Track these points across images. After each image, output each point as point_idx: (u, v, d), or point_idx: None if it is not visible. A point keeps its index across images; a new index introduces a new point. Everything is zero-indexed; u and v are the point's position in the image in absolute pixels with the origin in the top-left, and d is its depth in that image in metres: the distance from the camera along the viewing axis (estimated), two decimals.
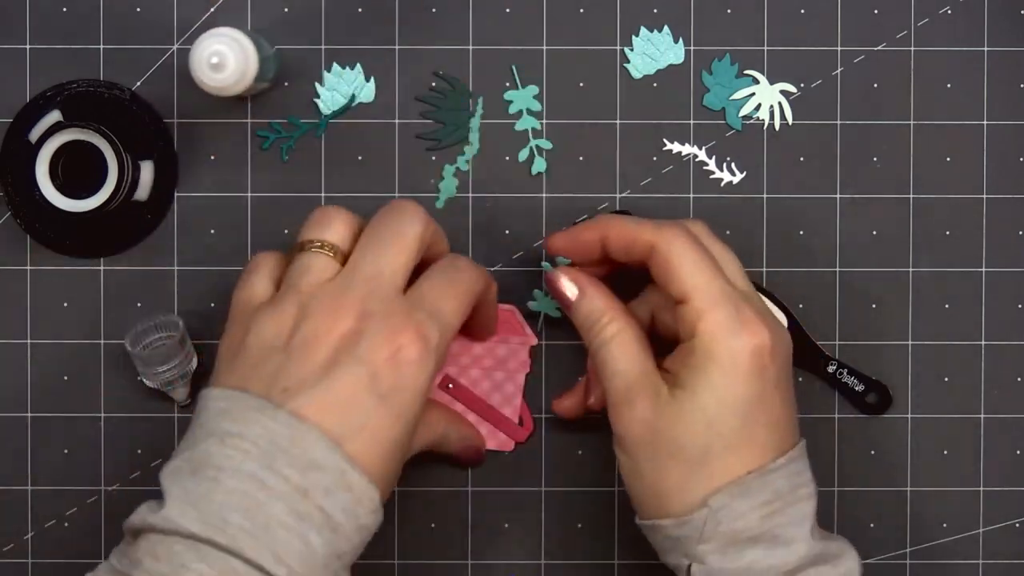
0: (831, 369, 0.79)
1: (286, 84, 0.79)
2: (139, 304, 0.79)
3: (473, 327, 0.76)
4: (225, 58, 0.72)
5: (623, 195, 0.79)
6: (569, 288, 0.72)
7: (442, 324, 0.67)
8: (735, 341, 0.67)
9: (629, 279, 0.75)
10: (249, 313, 0.68)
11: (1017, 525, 0.80)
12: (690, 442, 0.67)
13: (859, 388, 0.79)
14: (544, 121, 0.79)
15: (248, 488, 0.63)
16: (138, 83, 0.79)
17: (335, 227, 0.69)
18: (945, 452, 0.80)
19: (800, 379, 0.79)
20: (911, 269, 0.80)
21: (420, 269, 0.70)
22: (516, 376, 0.79)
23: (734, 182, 0.80)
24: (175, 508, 0.63)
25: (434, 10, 0.79)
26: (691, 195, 0.79)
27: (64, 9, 0.79)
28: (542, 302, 0.79)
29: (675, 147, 0.80)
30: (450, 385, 0.79)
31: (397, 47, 0.80)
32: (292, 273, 0.68)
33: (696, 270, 0.68)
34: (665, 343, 0.72)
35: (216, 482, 0.63)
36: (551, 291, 0.72)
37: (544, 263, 0.79)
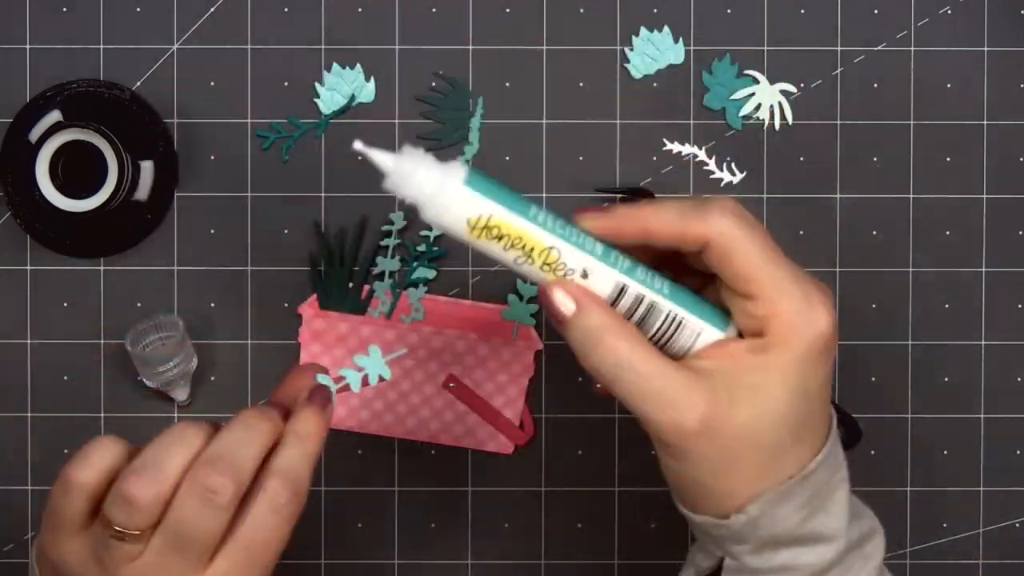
0: None
1: (286, 84, 0.79)
2: (139, 304, 0.79)
3: None
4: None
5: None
6: (564, 303, 0.63)
7: None
8: (810, 330, 0.63)
9: None
10: (59, 544, 0.64)
11: (1017, 525, 0.80)
12: (761, 439, 0.63)
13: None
14: (544, 121, 0.80)
15: None
16: (138, 83, 0.79)
17: (138, 516, 0.62)
18: (945, 452, 0.80)
19: None
20: (911, 269, 0.80)
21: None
22: (520, 379, 0.79)
23: (734, 182, 0.80)
24: None
25: (434, 10, 0.79)
26: (691, 195, 0.79)
27: (64, 9, 0.79)
28: (516, 308, 0.79)
29: (675, 147, 0.80)
30: (451, 384, 0.79)
31: (397, 47, 0.80)
32: (99, 542, 0.63)
33: (763, 262, 0.64)
34: None
35: None
36: (543, 305, 0.63)
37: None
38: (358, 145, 0.57)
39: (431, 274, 0.79)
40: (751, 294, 0.64)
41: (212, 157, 0.79)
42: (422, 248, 0.79)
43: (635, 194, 0.79)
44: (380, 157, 0.57)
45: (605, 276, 0.61)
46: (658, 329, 0.62)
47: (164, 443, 0.63)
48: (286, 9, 0.79)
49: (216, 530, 0.62)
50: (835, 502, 0.65)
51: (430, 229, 0.79)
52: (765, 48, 0.80)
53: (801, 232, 0.80)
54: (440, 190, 0.57)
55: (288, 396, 0.67)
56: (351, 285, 0.79)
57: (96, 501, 0.63)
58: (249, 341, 0.79)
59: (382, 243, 0.79)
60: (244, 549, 0.63)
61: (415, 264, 0.79)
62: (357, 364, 0.68)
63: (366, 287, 0.79)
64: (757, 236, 0.64)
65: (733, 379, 0.64)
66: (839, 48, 0.80)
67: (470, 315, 0.79)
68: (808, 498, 0.64)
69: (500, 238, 0.58)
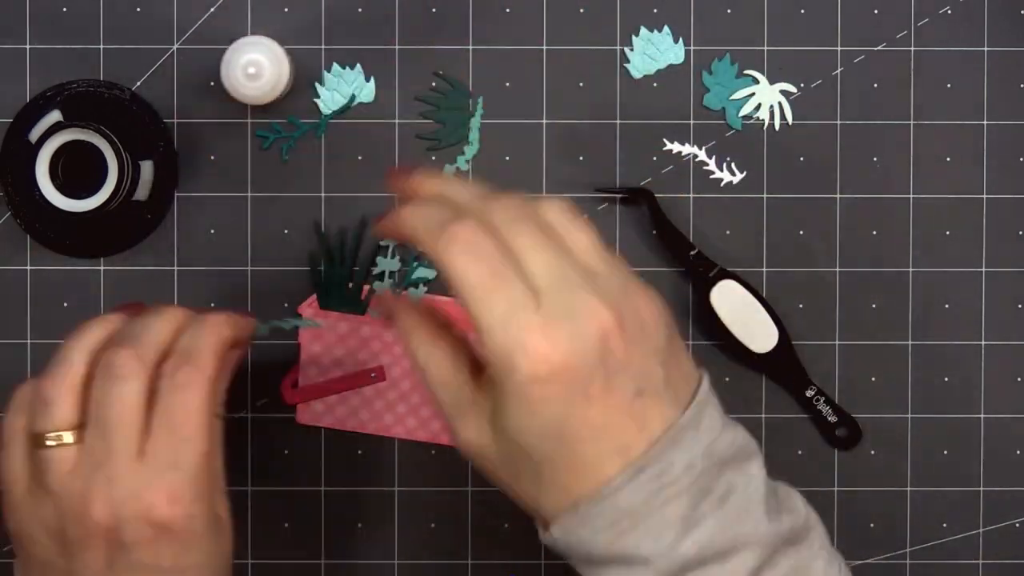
0: (809, 394, 0.79)
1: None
2: None
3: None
4: (261, 67, 0.72)
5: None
6: (383, 314, 0.67)
7: (188, 468, 0.64)
8: (514, 373, 0.59)
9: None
10: (13, 503, 0.65)
11: (1017, 525, 0.80)
12: (519, 466, 0.62)
13: (832, 419, 0.79)
14: (544, 121, 0.79)
15: None
16: (138, 83, 0.79)
17: (60, 408, 0.64)
18: (945, 452, 0.80)
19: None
20: (911, 269, 0.80)
21: None
22: None
23: (734, 182, 0.80)
24: None
25: (434, 10, 0.79)
26: (691, 195, 0.79)
27: (64, 9, 0.79)
28: None
29: (675, 147, 0.80)
30: None
31: (397, 47, 0.80)
32: (38, 468, 0.64)
33: (476, 295, 0.60)
34: None
35: None
36: (374, 306, 0.67)
37: None
38: None
39: (431, 274, 0.79)
40: (467, 316, 0.61)
41: (212, 157, 0.79)
42: None
43: (635, 194, 0.79)
44: None
45: None
46: None
47: (68, 343, 0.65)
48: (286, 9, 0.79)
49: (130, 404, 0.63)
50: (657, 521, 0.60)
51: None
52: (765, 48, 0.80)
53: (801, 232, 0.80)
54: None
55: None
56: (351, 285, 0.79)
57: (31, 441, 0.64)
58: (250, 342, 0.79)
59: (382, 243, 0.79)
60: (165, 427, 0.64)
61: (415, 264, 0.79)
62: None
63: (366, 287, 0.79)
64: (476, 263, 0.60)
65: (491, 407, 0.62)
66: (839, 48, 0.80)
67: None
68: (611, 521, 0.60)
69: None
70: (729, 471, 0.61)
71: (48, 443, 0.63)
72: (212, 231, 0.79)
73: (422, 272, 0.79)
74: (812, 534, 0.63)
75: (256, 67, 0.72)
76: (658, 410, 0.61)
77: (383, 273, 0.79)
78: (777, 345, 0.78)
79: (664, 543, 0.60)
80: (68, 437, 0.64)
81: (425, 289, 0.79)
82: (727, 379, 0.79)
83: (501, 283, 0.60)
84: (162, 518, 0.63)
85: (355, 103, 0.79)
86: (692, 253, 0.79)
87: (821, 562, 0.63)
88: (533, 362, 0.59)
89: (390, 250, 0.79)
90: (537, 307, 0.59)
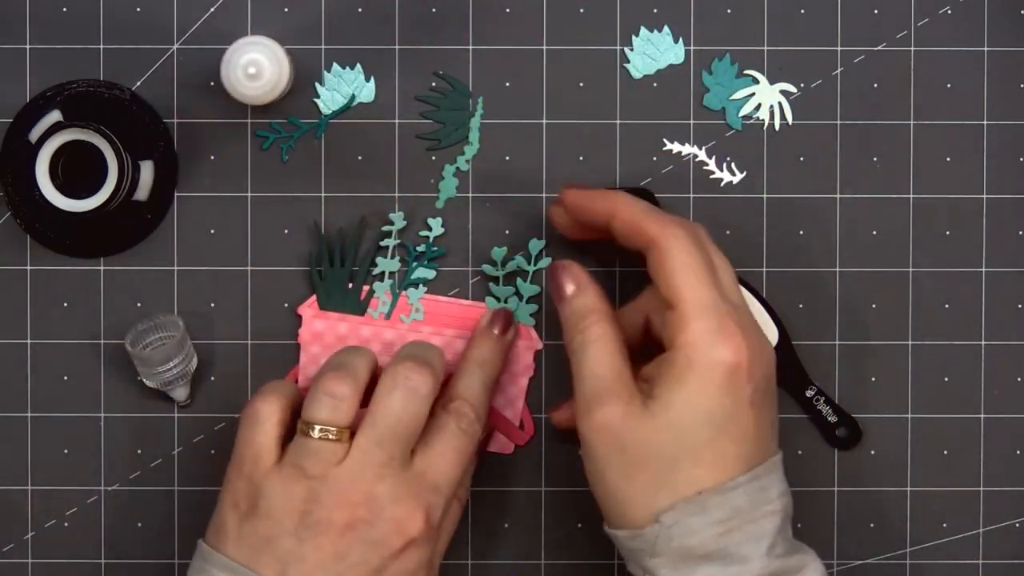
0: (809, 394, 0.79)
1: None
2: (139, 304, 0.79)
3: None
4: (261, 67, 0.72)
5: None
6: (568, 283, 0.72)
7: (447, 495, 0.70)
8: (713, 354, 0.67)
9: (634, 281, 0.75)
10: (257, 475, 0.69)
11: (1017, 525, 0.80)
12: (657, 452, 0.67)
13: (832, 419, 0.79)
14: (544, 121, 0.79)
15: None
16: (138, 83, 0.79)
17: (343, 408, 0.69)
18: (945, 452, 0.80)
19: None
20: (911, 269, 0.80)
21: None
22: (519, 380, 0.79)
23: (734, 182, 0.80)
24: None
25: (434, 10, 0.79)
26: (691, 195, 0.79)
27: (64, 9, 0.79)
28: (516, 309, 0.79)
29: (675, 147, 0.80)
30: None
31: (397, 47, 0.80)
32: (300, 453, 0.69)
33: (690, 275, 0.68)
34: (656, 350, 0.71)
35: None
36: (549, 280, 0.73)
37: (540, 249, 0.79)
38: None
39: (431, 274, 0.79)
40: (672, 302, 0.68)
41: (212, 157, 0.79)
42: (422, 248, 0.79)
43: (635, 194, 0.79)
44: None
45: None
46: None
47: (346, 353, 0.72)
48: (286, 9, 0.79)
49: (417, 420, 0.69)
50: (757, 528, 0.67)
51: (430, 229, 0.79)
52: (765, 48, 0.80)
53: (801, 232, 0.80)
54: None
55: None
56: (351, 286, 0.79)
57: (283, 428, 0.70)
58: (249, 341, 0.79)
59: (382, 243, 0.79)
60: (437, 457, 0.70)
61: (415, 264, 0.79)
62: None
63: (366, 287, 0.79)
64: (699, 254, 0.69)
65: (647, 391, 0.68)
66: (839, 48, 0.80)
67: (470, 315, 0.79)
68: (725, 516, 0.66)
69: None
70: (789, 520, 0.69)
71: (322, 434, 0.68)
72: (212, 231, 0.79)
73: (421, 272, 0.79)
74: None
75: (256, 67, 0.72)
76: (774, 441, 0.70)
77: (383, 273, 0.79)
78: (777, 345, 0.78)
79: (763, 548, 0.66)
80: (340, 433, 0.69)
81: (425, 289, 0.79)
82: None
83: (712, 276, 0.68)
84: (413, 532, 0.68)
85: (355, 103, 0.79)
86: None
87: None
88: (730, 348, 0.67)
89: (390, 250, 0.79)
90: (733, 309, 0.68)
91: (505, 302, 0.79)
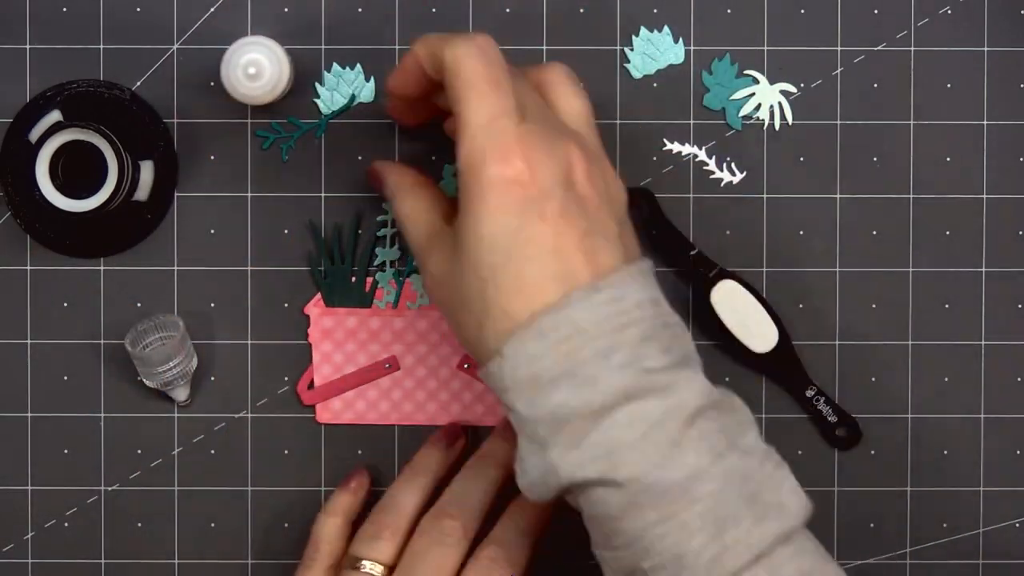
0: (809, 394, 0.79)
1: None
2: (139, 304, 0.79)
3: None
4: (261, 67, 0.72)
5: None
6: (377, 175, 0.74)
7: None
8: (483, 172, 0.63)
9: None
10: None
11: (1017, 525, 0.80)
12: (467, 289, 0.64)
13: (832, 419, 0.79)
14: None
15: None
16: (138, 83, 0.79)
17: (384, 544, 0.73)
18: (945, 452, 0.80)
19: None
20: (911, 269, 0.80)
21: None
22: None
23: (734, 182, 0.80)
24: None
25: (434, 10, 0.79)
26: (691, 195, 0.79)
27: (64, 9, 0.79)
28: None
29: (675, 147, 0.80)
30: (467, 366, 0.79)
31: (397, 47, 0.80)
32: None
33: (473, 92, 0.64)
34: None
35: None
36: (370, 182, 0.75)
37: None
38: None
39: None
40: (456, 127, 0.65)
41: (212, 157, 0.79)
42: None
43: (635, 194, 0.79)
44: None
45: None
46: None
47: (399, 488, 0.75)
48: (286, 9, 0.79)
49: (448, 568, 0.71)
50: (606, 343, 0.62)
51: None
52: (765, 48, 0.80)
53: (801, 232, 0.80)
54: None
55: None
56: (353, 280, 0.79)
57: (345, 539, 0.75)
58: (249, 341, 0.79)
59: (379, 233, 0.79)
60: None
61: None
62: None
63: (369, 279, 0.79)
64: (483, 66, 0.64)
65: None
66: (839, 48, 0.80)
67: None
68: (565, 336, 0.62)
69: None
70: (675, 333, 0.65)
71: (365, 568, 0.72)
72: (212, 231, 0.79)
73: None
74: (742, 413, 0.66)
75: (256, 67, 0.72)
76: (609, 253, 0.64)
77: (384, 263, 0.79)
78: (777, 345, 0.78)
79: (613, 364, 0.62)
80: (382, 571, 0.72)
81: None
82: (727, 379, 0.79)
83: (496, 90, 0.64)
84: None
85: (355, 103, 0.79)
86: (692, 253, 0.79)
87: (753, 435, 0.65)
88: (500, 163, 0.63)
89: (388, 239, 0.79)
90: (520, 122, 0.64)
91: None
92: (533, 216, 0.63)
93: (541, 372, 0.62)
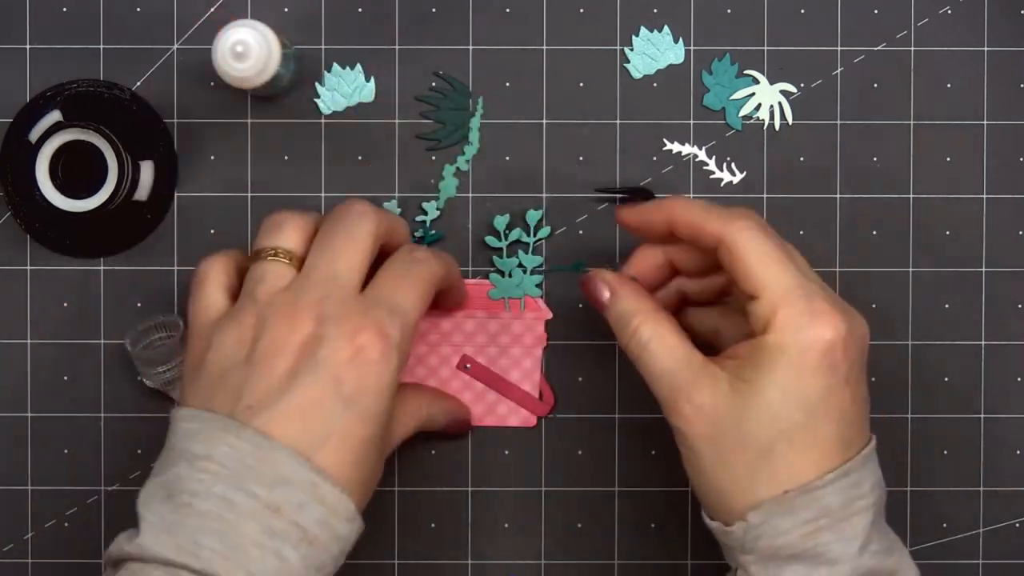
0: None
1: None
2: (139, 304, 0.79)
3: (442, 304, 0.77)
4: (248, 47, 0.72)
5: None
6: (602, 291, 0.71)
7: (403, 318, 0.67)
8: (808, 333, 0.65)
9: None
10: (207, 327, 0.68)
11: (1017, 525, 0.80)
12: (751, 436, 0.65)
13: None
14: (544, 121, 0.80)
15: (219, 510, 0.63)
16: (138, 83, 0.79)
17: (288, 232, 0.69)
18: (945, 452, 0.80)
19: None
20: (911, 269, 0.80)
21: (381, 262, 0.70)
22: (533, 351, 0.79)
23: (734, 182, 0.80)
24: (150, 536, 0.63)
25: (434, 10, 0.79)
26: (691, 195, 0.79)
27: (64, 9, 0.79)
28: (518, 281, 0.79)
29: (675, 147, 0.80)
30: (468, 366, 0.79)
31: (397, 47, 0.80)
32: (248, 283, 0.68)
33: (770, 263, 0.66)
34: (700, 343, 0.70)
35: (188, 506, 0.63)
36: (586, 293, 0.71)
37: (580, 262, 0.79)
38: None
39: None
40: (755, 293, 0.66)
41: (212, 157, 0.79)
42: (419, 234, 0.79)
43: (635, 194, 0.79)
44: None
45: None
46: None
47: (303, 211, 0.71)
48: (286, 9, 0.79)
49: (363, 240, 0.68)
50: (848, 526, 0.65)
51: (425, 214, 0.79)
52: (765, 48, 0.80)
53: (801, 232, 0.80)
54: None
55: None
56: None
57: (231, 289, 0.70)
58: None
59: None
60: (386, 281, 0.68)
61: None
62: None
63: None
64: (771, 241, 0.67)
65: (735, 374, 0.66)
66: (839, 48, 0.80)
67: (475, 293, 0.79)
68: (813, 516, 0.64)
69: None
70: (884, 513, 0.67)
71: (270, 256, 0.68)
72: (212, 231, 0.79)
73: None
74: None
75: (244, 46, 0.72)
76: (868, 420, 0.67)
77: None
78: None
79: (853, 549, 0.64)
80: (288, 258, 0.68)
81: None
82: None
83: (791, 259, 0.67)
84: (364, 343, 0.65)
85: (355, 103, 0.79)
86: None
87: None
88: (825, 327, 0.65)
89: None
90: (822, 290, 0.67)
91: (509, 275, 0.79)
92: (840, 380, 0.65)
93: (782, 546, 0.64)
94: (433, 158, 0.79)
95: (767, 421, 0.65)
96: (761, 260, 0.66)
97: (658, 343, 0.68)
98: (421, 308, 0.69)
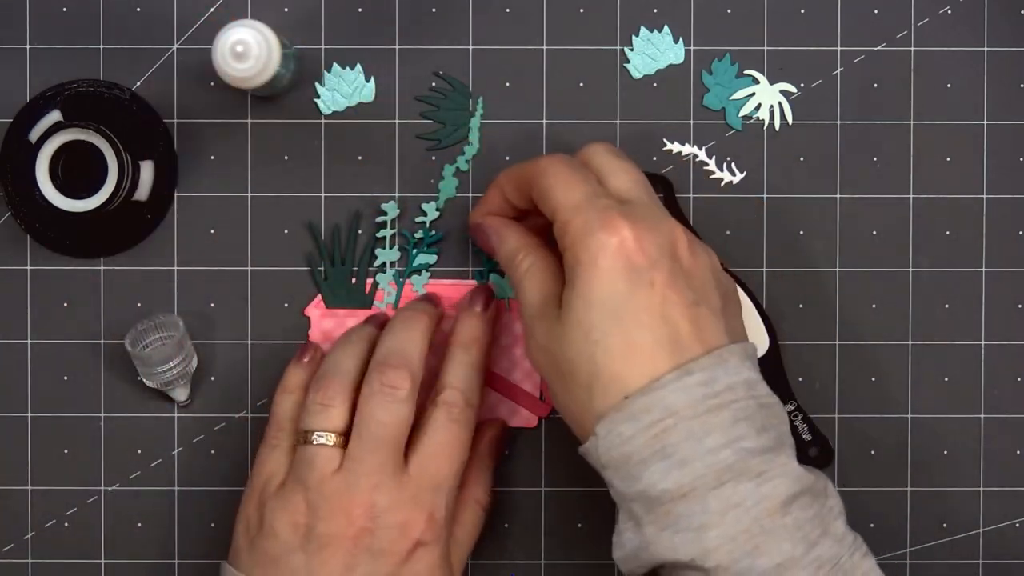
0: (789, 408, 0.79)
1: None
2: (139, 304, 0.79)
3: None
4: (248, 46, 0.71)
5: None
6: (491, 235, 0.72)
7: (448, 492, 0.70)
8: (592, 240, 0.64)
9: None
10: (266, 494, 0.71)
11: (1017, 525, 0.80)
12: (576, 358, 0.65)
13: (806, 437, 0.79)
14: (544, 121, 0.80)
15: None
16: (138, 83, 0.79)
17: (335, 411, 0.70)
18: (945, 452, 0.80)
19: (800, 379, 0.79)
20: (911, 269, 0.80)
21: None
22: None
23: (734, 182, 0.80)
24: None
25: (434, 10, 0.79)
26: (691, 195, 0.79)
27: (64, 9, 0.79)
28: (500, 288, 0.79)
29: (675, 147, 0.80)
30: None
31: (397, 47, 0.80)
32: (297, 466, 0.70)
33: (562, 186, 0.67)
34: None
35: None
36: (478, 242, 0.74)
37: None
38: None
39: (432, 259, 0.79)
40: (551, 216, 0.68)
41: (212, 157, 0.79)
42: (419, 235, 0.79)
43: (654, 179, 0.78)
44: None
45: None
46: None
47: (334, 353, 0.73)
48: (286, 9, 0.79)
49: (402, 423, 0.69)
50: (700, 424, 0.63)
51: (425, 215, 0.79)
52: (765, 48, 0.80)
53: (801, 232, 0.80)
54: None
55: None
56: (354, 281, 0.79)
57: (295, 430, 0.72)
58: (249, 341, 0.79)
59: (378, 235, 0.79)
60: (431, 456, 0.70)
61: (415, 252, 0.79)
62: None
63: (369, 281, 0.79)
64: (568, 167, 0.68)
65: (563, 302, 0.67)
66: (839, 48, 0.80)
67: None
68: (657, 418, 0.63)
69: None
70: (769, 415, 0.65)
71: (318, 440, 0.69)
72: (212, 231, 0.79)
73: (423, 259, 0.79)
74: (833, 499, 0.67)
75: (244, 46, 0.72)
76: (713, 326, 0.65)
77: (384, 264, 0.79)
78: (767, 354, 0.78)
79: (705, 447, 0.63)
80: (335, 439, 0.69)
81: (428, 275, 0.79)
82: None
83: (587, 182, 0.67)
84: (416, 534, 0.69)
85: (355, 103, 0.79)
86: None
87: (841, 521, 0.66)
88: (608, 230, 0.64)
89: (387, 241, 0.79)
90: (620, 204, 0.66)
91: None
92: (643, 283, 0.64)
93: (632, 452, 0.64)
94: (433, 158, 0.79)
95: (581, 337, 0.65)
96: (555, 184, 0.67)
97: (530, 275, 0.69)
98: (460, 475, 0.71)
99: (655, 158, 0.80)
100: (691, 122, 0.80)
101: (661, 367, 0.64)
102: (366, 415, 0.69)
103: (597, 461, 0.66)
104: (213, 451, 0.80)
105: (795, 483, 0.64)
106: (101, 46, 0.79)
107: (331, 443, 0.69)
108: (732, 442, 0.63)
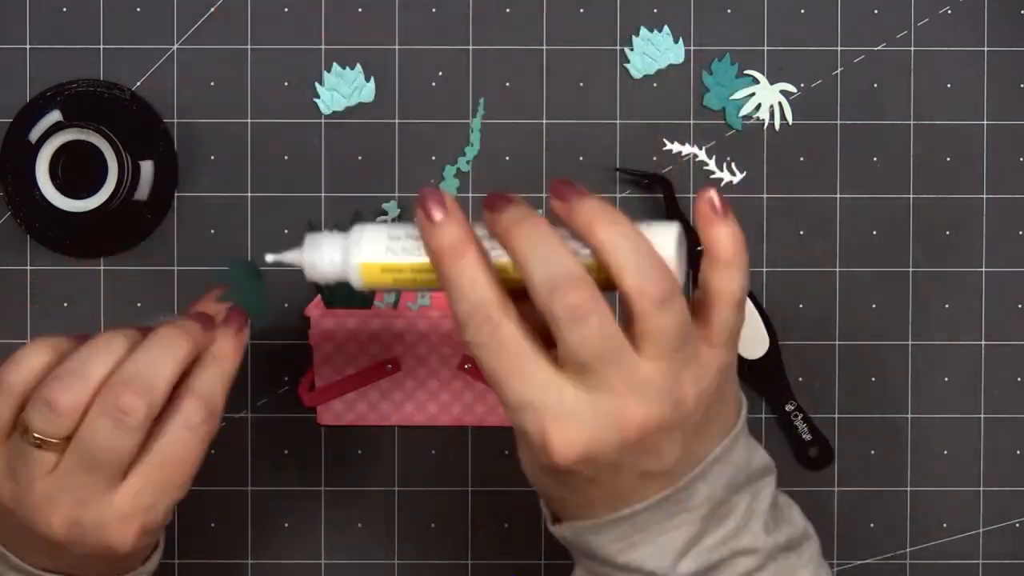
0: (788, 408, 0.79)
1: (286, 84, 0.79)
2: (139, 304, 0.79)
3: None
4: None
5: (623, 195, 0.79)
6: (436, 209, 0.63)
7: (168, 506, 0.64)
8: (535, 451, 0.63)
9: None
10: None
11: (1017, 525, 0.80)
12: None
13: (806, 437, 0.79)
14: (544, 121, 0.80)
15: None
16: (138, 83, 0.79)
17: (62, 421, 0.62)
18: (945, 452, 0.80)
19: (800, 379, 0.79)
20: (911, 269, 0.80)
21: None
22: None
23: (734, 182, 0.80)
24: None
25: (434, 10, 0.79)
26: (691, 195, 0.79)
27: (64, 9, 0.79)
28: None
29: (675, 147, 0.80)
30: (468, 366, 0.79)
31: (397, 47, 0.80)
32: (14, 452, 0.63)
33: (506, 370, 0.60)
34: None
35: None
36: (417, 206, 0.62)
37: None
38: (270, 257, 0.65)
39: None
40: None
41: (212, 157, 0.79)
42: None
43: (653, 180, 0.78)
44: (291, 257, 0.64)
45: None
46: None
47: (89, 351, 0.63)
48: (286, 9, 0.79)
49: (127, 450, 0.62)
50: (667, 541, 0.62)
51: None
52: (765, 48, 0.80)
53: (801, 232, 0.80)
54: (347, 262, 0.62)
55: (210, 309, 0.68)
56: None
57: (23, 408, 0.63)
58: (249, 341, 0.79)
59: None
60: (158, 467, 0.63)
61: None
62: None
63: None
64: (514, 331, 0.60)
65: None
66: (839, 48, 0.80)
67: None
68: (625, 534, 0.62)
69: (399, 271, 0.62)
70: (742, 492, 0.63)
71: (36, 440, 0.62)
72: (212, 231, 0.79)
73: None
74: (805, 544, 0.64)
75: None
76: (660, 482, 0.61)
77: None
78: (766, 354, 0.78)
79: (668, 560, 0.62)
80: (56, 443, 0.62)
81: None
82: None
83: (545, 360, 0.60)
84: (124, 550, 0.63)
85: (355, 103, 0.79)
86: (698, 248, 0.79)
87: (808, 572, 0.63)
88: (558, 448, 0.60)
89: None
90: (572, 387, 0.59)
91: None
92: (592, 477, 0.62)
93: (598, 555, 0.63)
94: (433, 158, 0.79)
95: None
96: (510, 338, 0.60)
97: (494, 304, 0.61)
98: (188, 486, 0.65)
99: (655, 158, 0.80)
100: (691, 122, 0.80)
101: (632, 501, 0.62)
102: (89, 433, 0.62)
103: (561, 542, 0.66)
104: (213, 451, 0.79)
105: (757, 557, 0.63)
106: (101, 46, 0.79)
107: (49, 447, 0.62)
108: (693, 547, 0.62)
